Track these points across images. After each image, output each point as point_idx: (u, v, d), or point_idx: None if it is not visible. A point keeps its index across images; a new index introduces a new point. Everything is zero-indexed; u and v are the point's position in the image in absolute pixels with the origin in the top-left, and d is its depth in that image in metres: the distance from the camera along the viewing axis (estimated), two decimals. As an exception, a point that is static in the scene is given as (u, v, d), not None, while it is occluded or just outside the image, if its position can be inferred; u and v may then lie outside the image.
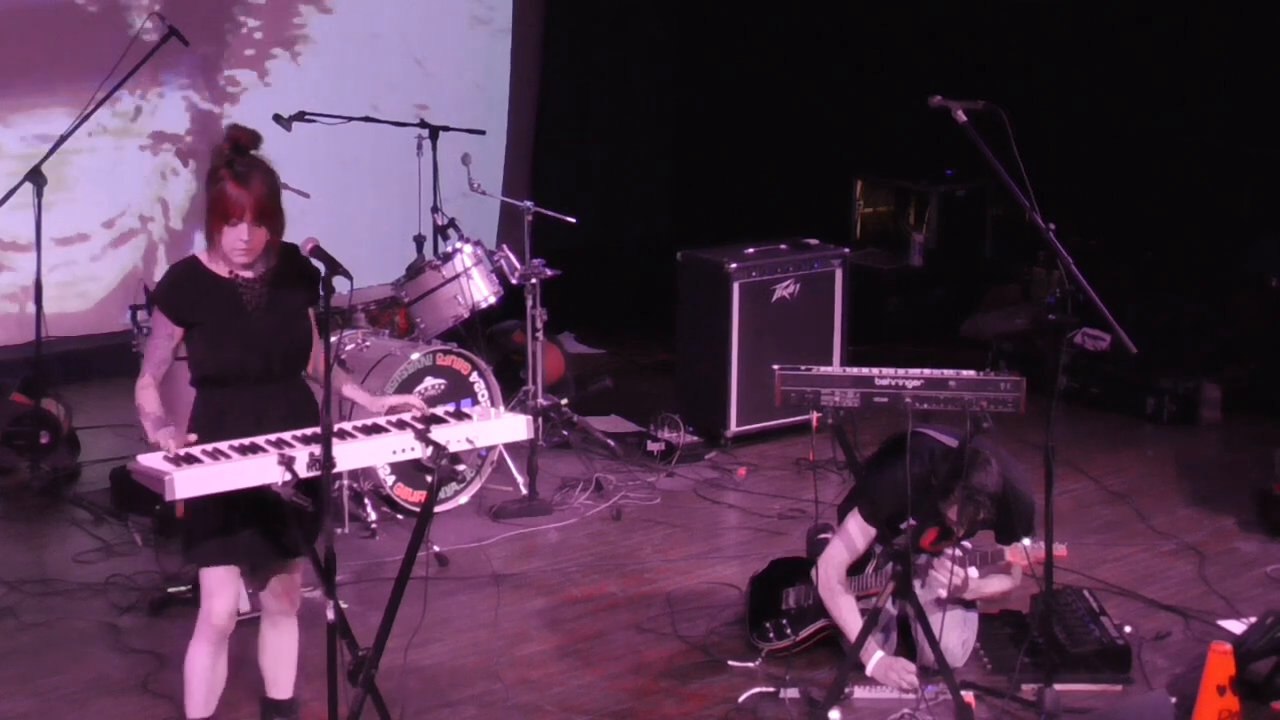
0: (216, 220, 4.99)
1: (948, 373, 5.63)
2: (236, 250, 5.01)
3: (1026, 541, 5.85)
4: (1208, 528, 7.64)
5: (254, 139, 5.06)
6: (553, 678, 6.16)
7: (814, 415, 5.74)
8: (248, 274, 5.09)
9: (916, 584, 5.87)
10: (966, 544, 5.94)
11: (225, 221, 4.97)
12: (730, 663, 6.22)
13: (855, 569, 6.08)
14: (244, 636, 5.57)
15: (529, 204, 8.20)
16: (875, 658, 5.95)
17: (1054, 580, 5.74)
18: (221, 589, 5.14)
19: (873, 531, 5.96)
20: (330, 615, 4.88)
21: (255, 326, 5.06)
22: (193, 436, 4.93)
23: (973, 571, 5.93)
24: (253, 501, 4.91)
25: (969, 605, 6.12)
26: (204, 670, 5.23)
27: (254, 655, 5.50)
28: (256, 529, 5.06)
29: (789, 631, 6.22)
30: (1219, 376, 9.25)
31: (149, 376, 5.04)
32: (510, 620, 6.64)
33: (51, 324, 8.31)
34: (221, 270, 5.08)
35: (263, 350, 5.06)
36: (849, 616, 6.00)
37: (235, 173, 4.97)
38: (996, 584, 6.10)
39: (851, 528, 6.00)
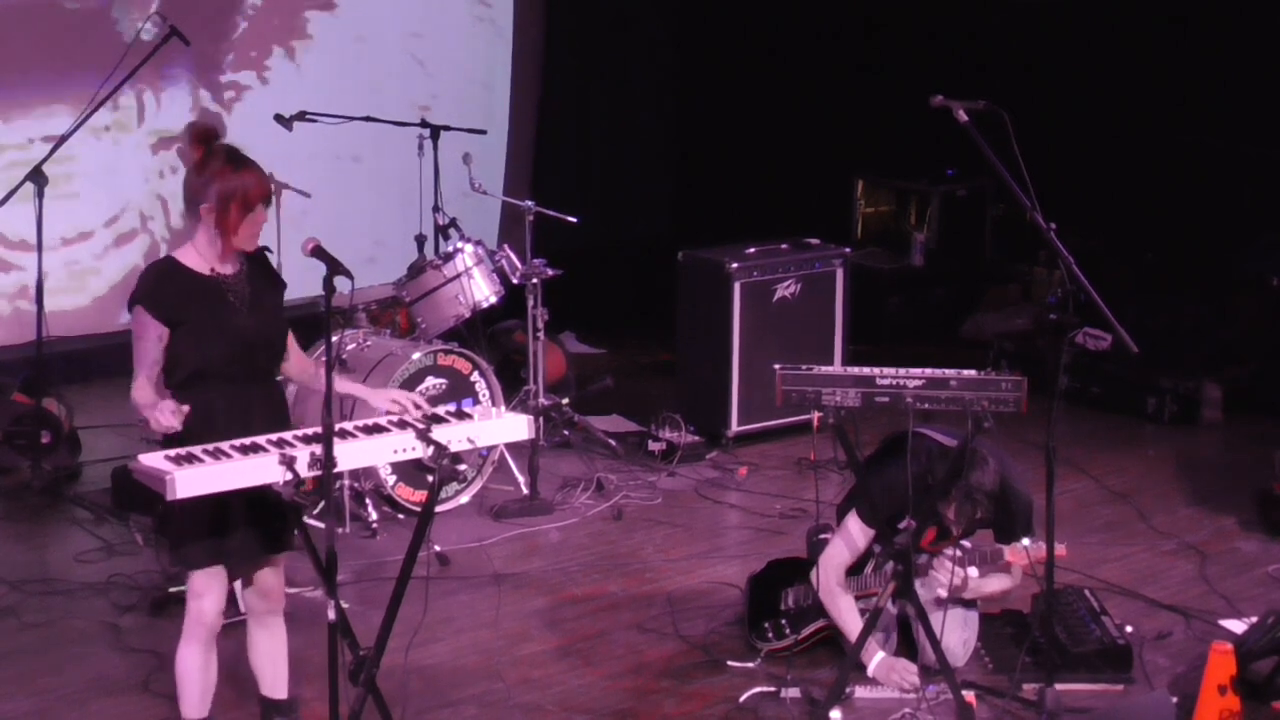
0: (237, 211, 4.99)
1: (949, 372, 5.63)
2: (254, 236, 5.05)
3: (1025, 541, 5.86)
4: (1208, 527, 7.64)
5: (215, 131, 5.12)
6: (554, 677, 6.16)
7: (815, 415, 5.74)
8: (227, 271, 5.09)
9: (916, 583, 5.87)
10: (966, 544, 5.95)
11: (248, 210, 4.99)
12: (730, 663, 6.21)
13: (854, 569, 6.08)
14: (242, 636, 5.57)
15: (530, 204, 8.20)
16: (877, 658, 5.95)
17: (1055, 580, 5.75)
18: (209, 590, 5.13)
19: (871, 532, 5.96)
20: (331, 615, 4.87)
21: (242, 324, 5.06)
22: (186, 407, 4.91)
23: (972, 571, 5.93)
24: (239, 498, 4.90)
25: (969, 605, 6.12)
26: (197, 670, 5.23)
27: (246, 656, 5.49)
28: (244, 527, 5.06)
29: (788, 632, 6.22)
30: (1220, 376, 9.25)
31: (143, 378, 5.01)
32: (511, 620, 6.64)
33: (53, 323, 8.31)
34: (202, 268, 5.07)
35: (249, 348, 5.06)
36: (849, 618, 5.99)
37: (237, 162, 5.01)
38: (996, 583, 6.10)
39: (851, 529, 6.00)
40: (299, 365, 5.31)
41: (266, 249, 5.25)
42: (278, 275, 5.30)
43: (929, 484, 5.75)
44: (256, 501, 4.94)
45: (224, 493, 4.78)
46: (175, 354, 5.02)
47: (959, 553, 5.90)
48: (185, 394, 5.02)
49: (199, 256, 5.08)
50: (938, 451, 5.82)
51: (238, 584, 5.52)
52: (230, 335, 5.03)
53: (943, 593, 5.94)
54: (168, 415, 4.84)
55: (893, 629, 6.13)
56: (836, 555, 6.03)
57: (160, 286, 5.04)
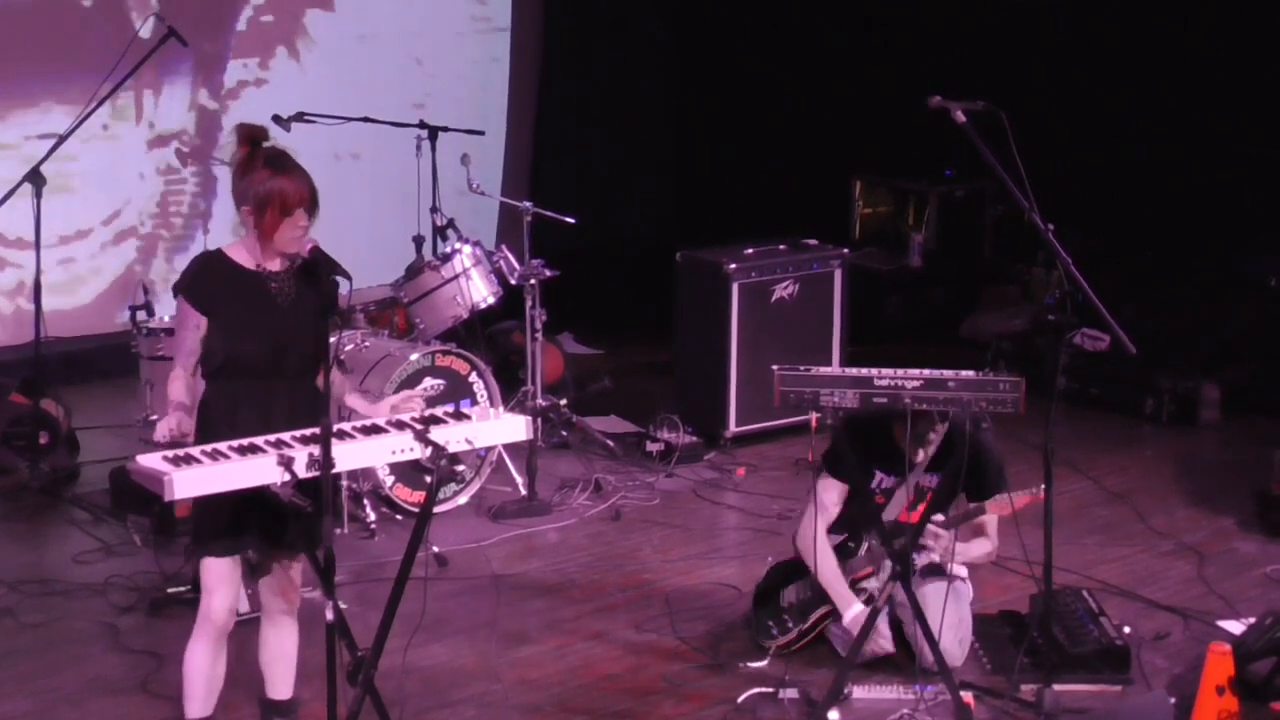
0: (274, 215, 4.99)
1: (947, 373, 5.63)
2: (294, 240, 5.02)
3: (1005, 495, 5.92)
4: (1207, 528, 7.64)
5: (265, 132, 5.11)
6: (552, 678, 6.16)
7: (813, 416, 5.74)
8: (274, 267, 5.10)
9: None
10: (941, 516, 5.98)
11: (285, 215, 4.99)
12: (739, 664, 6.19)
13: (848, 553, 6.10)
14: (243, 637, 5.57)
15: (528, 204, 8.19)
16: (853, 609, 5.97)
17: (1053, 580, 5.75)
18: (221, 585, 5.14)
19: (840, 485, 5.96)
20: (329, 615, 4.87)
21: (280, 321, 5.07)
22: (189, 431, 4.92)
23: (958, 545, 5.97)
24: (257, 495, 4.91)
25: (962, 603, 6.13)
26: (203, 669, 5.23)
27: (253, 656, 5.50)
28: (263, 522, 5.07)
29: (790, 625, 6.24)
30: (1218, 377, 9.25)
31: (180, 369, 5.07)
32: (509, 620, 6.64)
33: (50, 322, 8.32)
34: (247, 263, 5.10)
35: (283, 345, 5.07)
36: (833, 580, 6.02)
37: (277, 166, 5.01)
38: (979, 548, 6.15)
39: (820, 487, 6.03)
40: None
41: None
42: (323, 279, 5.14)
43: (881, 418, 5.73)
44: (274, 501, 4.93)
45: (230, 493, 4.78)
46: (210, 345, 5.06)
47: (940, 518, 5.93)
48: (216, 386, 5.08)
49: (247, 253, 5.11)
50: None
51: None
52: (264, 331, 5.05)
53: (934, 557, 5.96)
54: (165, 428, 4.85)
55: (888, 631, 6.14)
56: (809, 517, 6.06)
57: (201, 277, 5.09)
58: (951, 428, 5.91)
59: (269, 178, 4.98)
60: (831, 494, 6.06)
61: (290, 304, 5.10)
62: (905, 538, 5.78)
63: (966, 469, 5.83)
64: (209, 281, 5.08)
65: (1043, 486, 5.71)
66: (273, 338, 5.05)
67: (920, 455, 5.92)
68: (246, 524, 5.06)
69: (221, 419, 5.04)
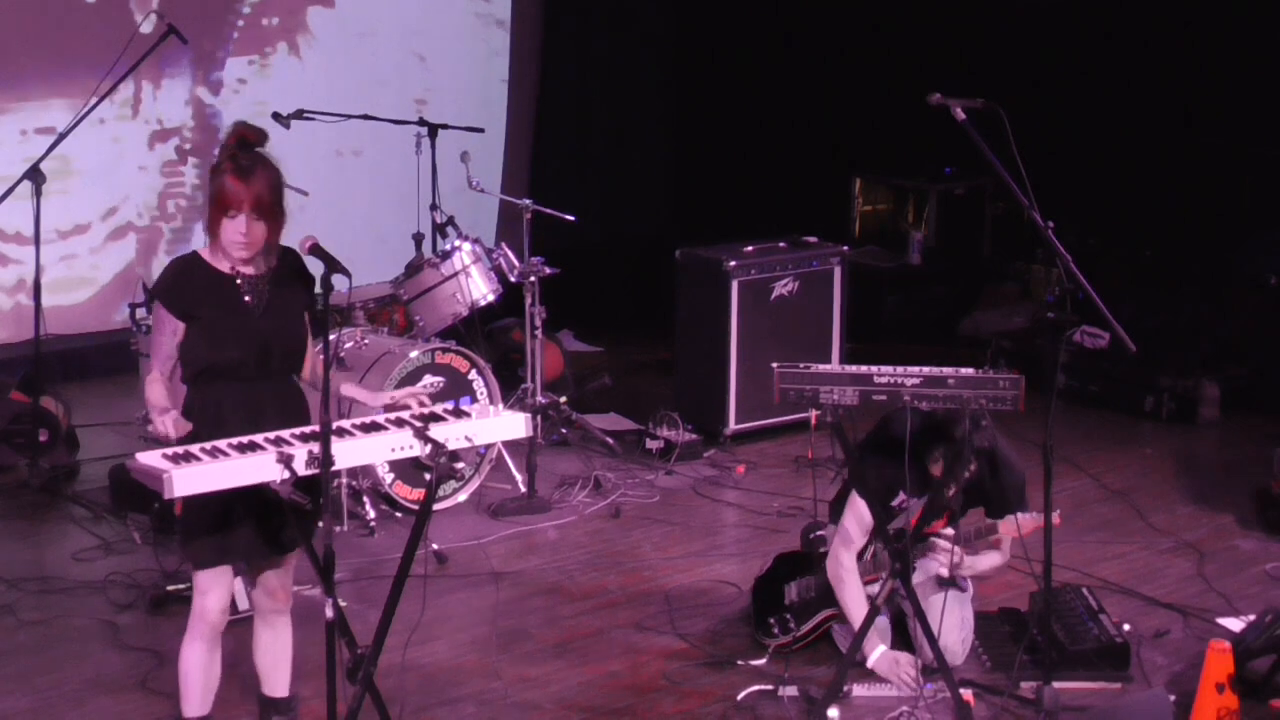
0: (216, 212, 5.00)
1: (946, 370, 5.62)
2: (235, 244, 5.02)
3: (1019, 514, 5.90)
4: (1206, 526, 7.64)
5: (260, 136, 5.09)
6: (551, 675, 6.16)
7: (813, 413, 5.73)
8: (249, 270, 5.10)
9: (914, 562, 5.87)
10: (951, 530, 5.96)
11: (224, 214, 4.99)
12: (739, 661, 6.20)
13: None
14: (241, 635, 5.57)
15: (528, 202, 8.20)
16: (878, 651, 5.96)
17: (1053, 578, 5.75)
18: (214, 587, 5.13)
19: (868, 511, 5.95)
20: (329, 613, 4.87)
21: (255, 324, 5.06)
22: (188, 426, 4.93)
23: (966, 558, 5.96)
24: (247, 498, 4.91)
25: (964, 603, 6.13)
26: (199, 668, 5.23)
27: (250, 654, 5.49)
28: (251, 526, 5.06)
29: (792, 625, 6.23)
30: (1218, 375, 9.25)
31: (156, 372, 5.06)
32: (509, 618, 6.64)
33: (50, 319, 8.31)
34: (223, 266, 5.09)
35: (260, 347, 5.06)
36: (855, 608, 6.00)
37: (238, 166, 4.99)
38: (987, 560, 6.14)
39: (849, 513, 6.01)
40: (308, 368, 5.31)
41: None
42: (310, 278, 5.19)
43: (916, 443, 5.73)
44: (264, 500, 4.93)
45: (227, 491, 4.78)
46: (188, 350, 5.05)
47: (952, 532, 5.92)
48: (198, 390, 5.07)
49: (223, 254, 5.10)
50: (922, 414, 5.75)
51: (238, 581, 5.52)
52: (242, 335, 5.04)
53: (943, 571, 5.95)
54: (169, 425, 4.86)
55: (889, 632, 6.13)
56: (841, 543, 6.03)
57: (177, 281, 5.08)
58: (996, 447, 5.90)
59: (222, 174, 4.99)
60: (861, 522, 6.00)
61: (263, 308, 5.08)
62: (906, 537, 5.77)
63: (988, 485, 5.84)
64: (185, 286, 5.06)
65: (1057, 511, 5.72)
66: (251, 342, 5.04)
67: (952, 489, 5.91)
68: (235, 528, 5.04)
69: (209, 423, 5.01)
